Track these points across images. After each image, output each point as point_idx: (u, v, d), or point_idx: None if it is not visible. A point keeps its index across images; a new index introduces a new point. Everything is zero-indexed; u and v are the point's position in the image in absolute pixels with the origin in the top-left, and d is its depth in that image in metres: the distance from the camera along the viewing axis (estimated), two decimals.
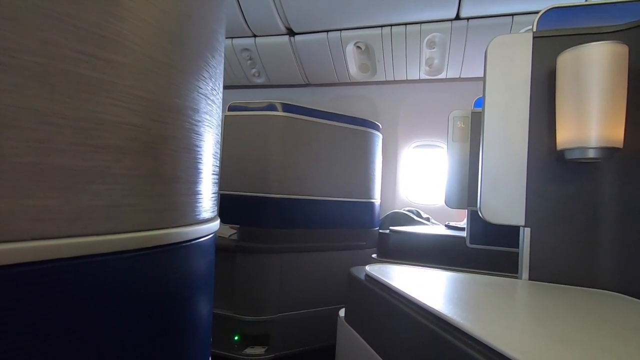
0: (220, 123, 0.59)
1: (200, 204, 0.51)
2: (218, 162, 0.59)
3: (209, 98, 0.51)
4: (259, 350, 1.45)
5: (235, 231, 1.56)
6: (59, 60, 0.31)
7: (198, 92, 0.48)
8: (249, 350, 1.44)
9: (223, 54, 0.59)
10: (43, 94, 0.30)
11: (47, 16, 0.30)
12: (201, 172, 0.50)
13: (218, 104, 0.57)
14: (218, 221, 0.60)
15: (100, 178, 0.35)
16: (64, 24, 0.31)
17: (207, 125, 0.51)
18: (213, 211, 0.57)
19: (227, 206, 1.50)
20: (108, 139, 0.36)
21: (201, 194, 0.51)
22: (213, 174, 0.56)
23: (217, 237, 0.62)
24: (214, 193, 0.57)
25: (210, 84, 0.52)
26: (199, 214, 0.50)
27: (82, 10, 0.33)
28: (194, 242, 0.49)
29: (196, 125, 0.48)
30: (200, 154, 0.50)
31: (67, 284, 0.32)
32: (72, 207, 0.32)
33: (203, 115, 0.50)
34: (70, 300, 0.32)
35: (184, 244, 0.46)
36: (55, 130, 0.31)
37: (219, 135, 0.59)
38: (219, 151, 0.59)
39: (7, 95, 0.28)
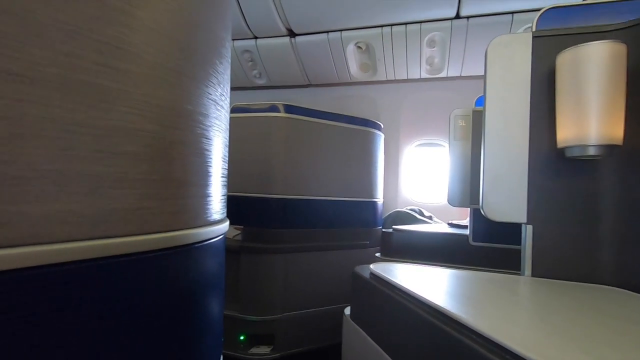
0: (228, 127, 0.61)
1: (211, 206, 0.52)
2: (227, 165, 0.61)
3: (218, 103, 0.53)
4: (264, 349, 1.46)
5: (239, 232, 1.58)
6: (80, 72, 0.33)
7: (208, 98, 0.50)
8: (254, 350, 1.45)
9: (230, 60, 0.60)
10: (66, 105, 0.32)
11: (70, 31, 0.32)
12: (211, 175, 0.52)
13: (226, 109, 0.58)
14: (227, 222, 0.61)
15: (119, 183, 0.36)
16: (85, 38, 0.33)
17: (217, 130, 0.53)
18: (222, 213, 0.59)
19: (231, 207, 1.51)
20: (125, 145, 0.37)
21: (211, 196, 0.52)
22: (222, 177, 0.57)
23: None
24: (223, 195, 0.58)
25: (219, 90, 0.53)
26: (210, 216, 0.52)
27: (100, 24, 0.34)
28: (205, 243, 0.50)
29: (206, 130, 0.50)
30: (210, 158, 0.51)
31: (89, 285, 0.34)
32: (94, 210, 0.34)
33: (213, 120, 0.51)
34: (91, 300, 0.34)
35: (196, 245, 0.48)
36: (78, 138, 0.33)
37: (227, 139, 0.61)
38: (227, 154, 0.61)
39: (34, 107, 0.30)
